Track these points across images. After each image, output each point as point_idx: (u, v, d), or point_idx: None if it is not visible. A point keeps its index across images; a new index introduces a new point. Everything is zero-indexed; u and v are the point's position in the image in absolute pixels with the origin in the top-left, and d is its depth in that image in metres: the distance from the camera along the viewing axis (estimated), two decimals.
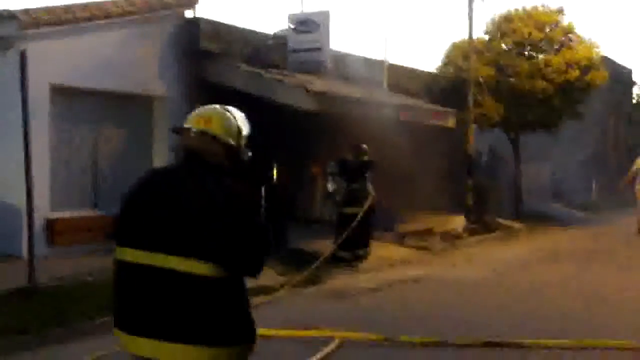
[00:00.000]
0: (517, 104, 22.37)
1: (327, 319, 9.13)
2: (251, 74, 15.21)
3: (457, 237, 17.92)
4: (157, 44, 14.72)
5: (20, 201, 10.26)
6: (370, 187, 13.94)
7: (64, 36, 12.93)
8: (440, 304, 10.55)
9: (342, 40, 57.80)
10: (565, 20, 23.32)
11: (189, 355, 3.25)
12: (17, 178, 10.43)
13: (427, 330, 8.58)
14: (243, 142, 3.73)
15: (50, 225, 12.59)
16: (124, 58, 13.85)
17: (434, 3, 59.94)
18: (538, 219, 22.79)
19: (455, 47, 23.52)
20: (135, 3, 14.29)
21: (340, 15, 54.64)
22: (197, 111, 3.76)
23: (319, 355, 7.38)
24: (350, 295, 11.07)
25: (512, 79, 22.52)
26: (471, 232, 18.59)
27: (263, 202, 3.54)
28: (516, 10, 23.45)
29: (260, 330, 3.59)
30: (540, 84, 22.03)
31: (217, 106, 3.82)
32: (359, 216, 13.49)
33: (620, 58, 75.20)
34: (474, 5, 20.65)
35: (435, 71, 23.88)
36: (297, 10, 18.58)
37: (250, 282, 9.53)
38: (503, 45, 23.43)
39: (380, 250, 14.97)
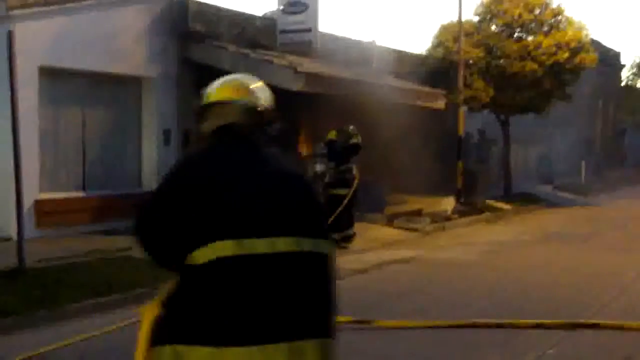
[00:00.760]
0: (507, 86, 22.38)
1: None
2: (239, 55, 15.16)
3: (447, 218, 17.96)
4: (145, 25, 14.63)
5: (8, 183, 10.22)
6: (355, 169, 13.90)
7: (51, 17, 12.85)
8: (428, 284, 10.58)
9: (332, 21, 57.64)
10: (554, 2, 23.31)
11: (328, 351, 2.84)
12: (5, 160, 10.39)
13: (413, 310, 8.62)
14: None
15: (39, 207, 12.55)
16: (111, 39, 13.78)
17: None
18: (526, 201, 22.89)
19: (445, 28, 23.47)
20: None
21: None
22: (227, 81, 3.27)
23: None
24: (339, 277, 11.06)
25: (501, 61, 22.51)
26: (460, 213, 18.62)
27: None
28: None
29: None
30: (530, 65, 22.03)
31: (246, 75, 3.38)
32: (347, 197, 13.49)
33: (608, 41, 75.23)
34: None
35: (425, 53, 23.84)
36: None
37: None
38: (493, 27, 23.41)
39: (370, 231, 15.01)
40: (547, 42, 22.30)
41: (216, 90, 3.20)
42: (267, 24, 17.51)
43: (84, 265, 10.10)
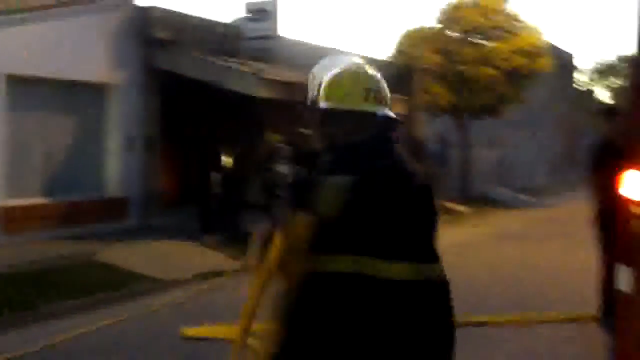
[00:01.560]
0: (465, 91, 22.92)
1: None
2: (203, 62, 15.40)
3: None
4: (110, 32, 14.82)
5: None
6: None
7: (16, 25, 13.00)
8: None
9: (297, 28, 58.02)
10: (510, 8, 23.91)
11: None
12: None
13: None
14: None
15: (6, 214, 12.70)
16: (76, 46, 13.96)
17: None
18: (484, 203, 23.42)
19: (407, 35, 23.96)
20: None
21: (296, 3, 54.71)
22: (364, 85, 2.90)
23: None
24: None
25: (460, 67, 23.04)
26: None
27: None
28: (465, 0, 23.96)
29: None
30: (487, 70, 22.60)
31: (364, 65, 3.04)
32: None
33: (562, 43, 76.55)
34: None
35: (387, 59, 24.29)
36: None
37: (203, 266, 9.77)
38: (451, 33, 23.93)
39: None
40: (503, 47, 22.89)
41: (353, 97, 2.86)
42: (231, 30, 17.79)
43: (54, 269, 10.32)
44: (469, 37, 23.61)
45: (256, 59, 17.13)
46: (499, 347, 7.51)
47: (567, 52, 43.31)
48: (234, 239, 12.95)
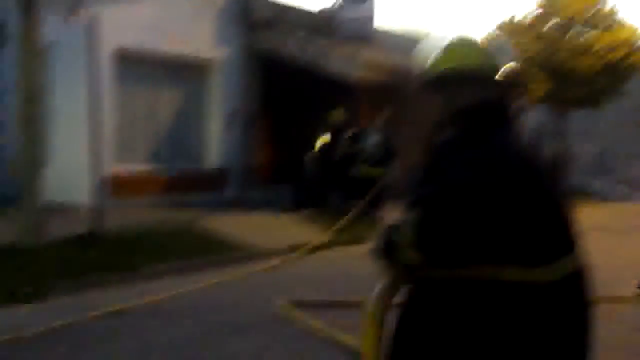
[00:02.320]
0: (563, 81, 22.69)
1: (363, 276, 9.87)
2: (301, 43, 15.84)
3: None
4: (215, 12, 15.42)
5: (84, 155, 11.06)
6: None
7: (126, 3, 13.69)
8: None
9: (391, 13, 57.93)
10: (609, 2, 23.52)
11: None
12: (82, 134, 11.22)
13: None
14: None
15: (114, 178, 13.42)
16: (182, 24, 14.59)
17: None
18: (581, 195, 23.15)
19: (507, 22, 23.84)
20: None
21: None
22: (470, 44, 2.74)
23: None
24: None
25: (559, 55, 22.80)
26: None
27: None
28: None
29: None
30: (587, 60, 22.31)
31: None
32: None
33: None
34: None
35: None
36: None
37: (295, 238, 10.15)
38: (551, 22, 23.69)
39: None
40: (603, 39, 22.54)
41: (466, 53, 2.68)
42: (330, 13, 18.18)
43: (156, 234, 10.94)
44: (569, 24, 23.33)
45: (353, 41, 17.46)
46: None
47: None
48: (325, 214, 13.38)
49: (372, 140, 14.26)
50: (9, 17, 12.85)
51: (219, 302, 8.08)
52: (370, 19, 18.25)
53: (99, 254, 9.43)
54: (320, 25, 17.75)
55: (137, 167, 14.21)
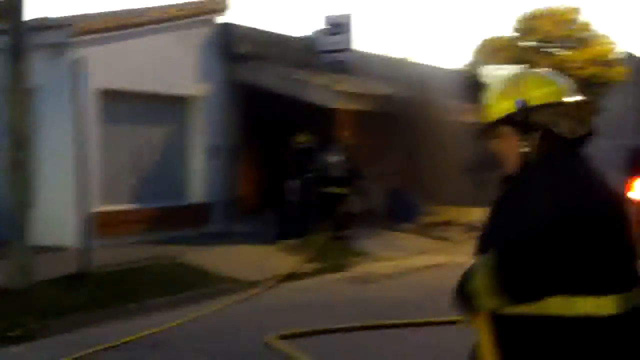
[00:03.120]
0: None
1: (349, 302, 10.22)
2: (282, 75, 16.21)
3: (478, 228, 18.69)
4: (196, 47, 15.77)
5: (68, 195, 11.30)
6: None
7: (112, 42, 14.01)
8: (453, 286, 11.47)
9: (368, 40, 58.60)
10: (582, 19, 24.10)
11: None
12: (66, 174, 11.47)
13: (432, 311, 9.53)
14: None
15: (99, 218, 13.62)
16: (164, 62, 14.88)
17: (457, 5, 60.50)
18: None
19: (483, 45, 24.35)
20: (169, 11, 15.35)
21: (366, 15, 55.25)
22: (560, 79, 2.73)
23: None
24: (373, 281, 12.06)
25: None
26: None
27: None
28: (540, 10, 24.23)
29: None
30: None
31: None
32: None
33: None
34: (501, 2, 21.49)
35: (462, 69, 24.70)
36: (324, 14, 19.63)
37: (279, 269, 10.50)
38: (526, 43, 24.23)
39: (402, 240, 15.90)
40: (577, 56, 23.07)
41: (565, 87, 2.68)
42: (307, 44, 18.57)
43: (142, 270, 11.20)
44: (543, 46, 23.86)
45: (332, 71, 17.84)
46: None
47: None
48: (308, 243, 13.70)
49: (334, 160, 15.03)
50: None
51: (207, 333, 8.35)
52: (349, 47, 18.65)
53: (88, 292, 9.66)
54: (300, 54, 18.13)
55: (122, 205, 14.44)
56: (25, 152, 10.10)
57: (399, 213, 17.57)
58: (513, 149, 2.67)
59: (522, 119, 2.61)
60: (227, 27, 16.45)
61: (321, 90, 15.66)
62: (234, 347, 7.79)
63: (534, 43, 24.11)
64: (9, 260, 9.91)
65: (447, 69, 24.16)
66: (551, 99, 2.62)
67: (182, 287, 10.44)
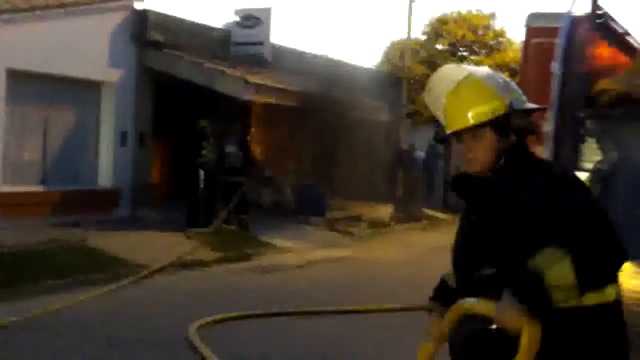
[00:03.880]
0: None
1: (253, 290, 10.42)
2: (194, 64, 16.25)
3: (384, 224, 19.19)
4: (107, 33, 15.66)
5: None
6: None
7: (20, 23, 13.82)
8: (353, 278, 11.83)
9: (285, 34, 58.86)
10: (497, 25, 24.83)
11: None
12: None
13: (333, 300, 9.83)
14: None
15: (2, 199, 13.48)
16: (75, 45, 14.74)
17: (376, 3, 61.33)
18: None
19: (394, 46, 24.84)
20: None
21: (284, 10, 55.49)
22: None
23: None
24: (275, 271, 12.30)
25: None
26: (397, 220, 19.89)
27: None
28: (452, 12, 24.84)
29: None
30: None
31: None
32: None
33: None
34: (413, 5, 21.98)
35: (373, 67, 25.17)
36: (242, 5, 19.72)
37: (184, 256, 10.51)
38: (438, 46, 24.83)
39: (310, 233, 16.18)
40: (488, 62, 23.76)
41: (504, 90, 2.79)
42: (223, 35, 18.65)
43: (44, 252, 11.14)
44: (454, 50, 24.50)
45: (248, 63, 17.96)
46: None
47: None
48: (216, 232, 13.84)
49: (232, 150, 15.34)
50: None
51: (100, 317, 8.43)
52: (265, 40, 18.78)
53: None
54: (216, 45, 18.19)
55: (28, 187, 14.28)
56: None
57: (308, 207, 17.85)
58: (489, 151, 2.75)
59: (505, 121, 2.71)
60: (142, 13, 16.39)
61: (234, 82, 15.77)
62: (113, 331, 7.87)
63: (444, 46, 24.72)
64: None
65: (361, 67, 24.58)
66: (528, 104, 2.76)
67: (84, 270, 10.43)
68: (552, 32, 4.22)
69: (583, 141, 4.82)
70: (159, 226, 14.41)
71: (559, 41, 4.04)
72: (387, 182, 21.82)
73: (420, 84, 23.40)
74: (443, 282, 3.10)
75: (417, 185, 23.09)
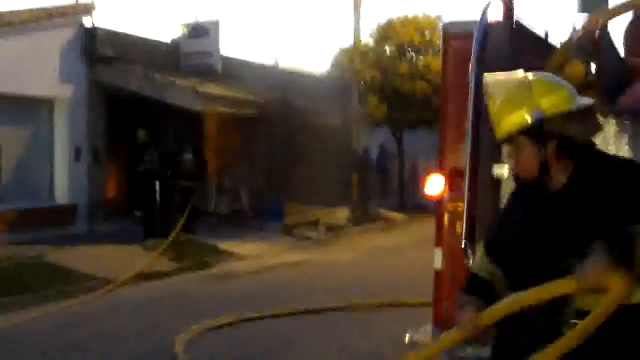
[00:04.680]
0: (400, 104, 24.07)
1: (212, 298, 10.67)
2: (144, 77, 16.42)
3: (341, 227, 19.47)
4: (58, 50, 15.76)
5: None
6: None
7: None
8: (310, 280, 12.11)
9: (235, 45, 59.02)
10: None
11: None
12: None
13: (292, 299, 10.10)
14: None
15: None
16: (26, 63, 14.80)
17: (323, 8, 61.78)
18: (419, 211, 24.52)
19: (343, 51, 25.10)
20: (33, 12, 15.30)
21: (233, 21, 55.59)
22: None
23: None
24: (234, 278, 12.53)
25: (394, 81, 24.19)
26: (354, 222, 20.18)
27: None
28: (398, 17, 25.19)
29: None
30: (420, 84, 23.79)
31: None
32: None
33: None
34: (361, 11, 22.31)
35: (323, 73, 25.42)
36: (191, 19, 19.89)
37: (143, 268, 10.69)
38: (386, 48, 25.12)
39: (267, 240, 16.42)
40: (436, 63, 24.11)
41: (573, 91, 2.80)
42: (173, 48, 18.84)
43: (2, 269, 11.24)
44: (402, 52, 24.81)
45: (198, 75, 18.16)
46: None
47: None
48: (174, 242, 14.02)
49: (186, 158, 15.76)
50: None
51: (49, 329, 8.60)
52: (214, 51, 19.02)
53: None
54: (164, 57, 18.37)
55: None
56: None
57: (265, 213, 18.09)
58: (532, 159, 2.76)
59: (538, 130, 2.70)
60: (90, 30, 16.51)
61: (184, 93, 15.98)
62: (71, 340, 8.05)
63: (392, 49, 24.98)
64: None
65: (311, 73, 24.84)
66: (564, 107, 2.71)
67: (43, 285, 10.57)
68: (468, 37, 4.51)
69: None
70: (117, 239, 14.53)
71: (473, 47, 4.34)
72: (342, 185, 22.10)
73: (371, 86, 23.76)
74: (476, 276, 3.03)
75: (372, 187, 23.42)
